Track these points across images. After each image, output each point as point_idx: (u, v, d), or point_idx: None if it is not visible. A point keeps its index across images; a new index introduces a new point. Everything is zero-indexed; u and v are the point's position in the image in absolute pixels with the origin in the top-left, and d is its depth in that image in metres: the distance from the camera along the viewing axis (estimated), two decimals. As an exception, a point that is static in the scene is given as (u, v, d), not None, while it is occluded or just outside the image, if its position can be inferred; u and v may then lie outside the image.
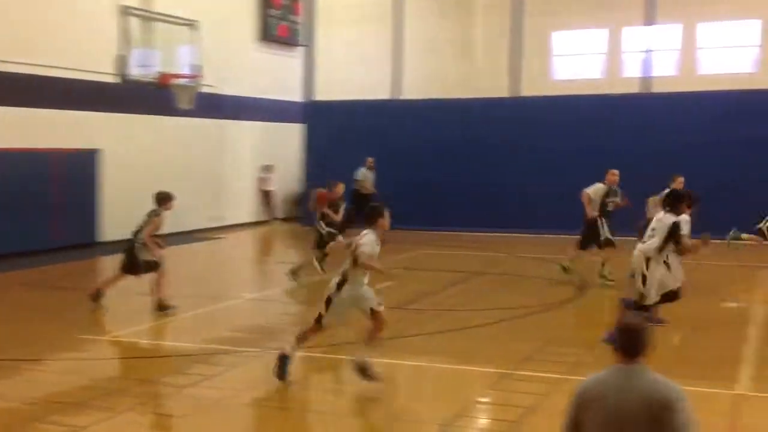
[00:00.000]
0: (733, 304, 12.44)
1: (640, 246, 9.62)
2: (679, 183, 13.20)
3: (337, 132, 22.87)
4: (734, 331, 10.29)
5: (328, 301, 7.86)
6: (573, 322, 11.18)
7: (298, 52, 24.79)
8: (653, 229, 9.53)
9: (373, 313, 7.88)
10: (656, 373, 3.80)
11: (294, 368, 8.08)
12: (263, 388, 8.28)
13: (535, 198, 20.62)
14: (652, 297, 9.56)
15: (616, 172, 13.57)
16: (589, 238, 13.52)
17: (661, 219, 9.51)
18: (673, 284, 9.65)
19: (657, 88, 21.79)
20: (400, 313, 11.85)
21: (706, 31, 23.92)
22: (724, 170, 18.85)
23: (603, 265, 13.39)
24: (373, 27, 24.88)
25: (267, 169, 24.18)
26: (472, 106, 22.13)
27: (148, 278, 11.41)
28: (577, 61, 25.96)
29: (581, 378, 8.17)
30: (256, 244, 22.30)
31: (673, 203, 9.54)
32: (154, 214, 11.33)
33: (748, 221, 13.70)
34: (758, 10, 22.69)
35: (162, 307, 11.25)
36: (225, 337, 10.38)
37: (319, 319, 7.93)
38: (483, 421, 7.49)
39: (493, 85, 23.10)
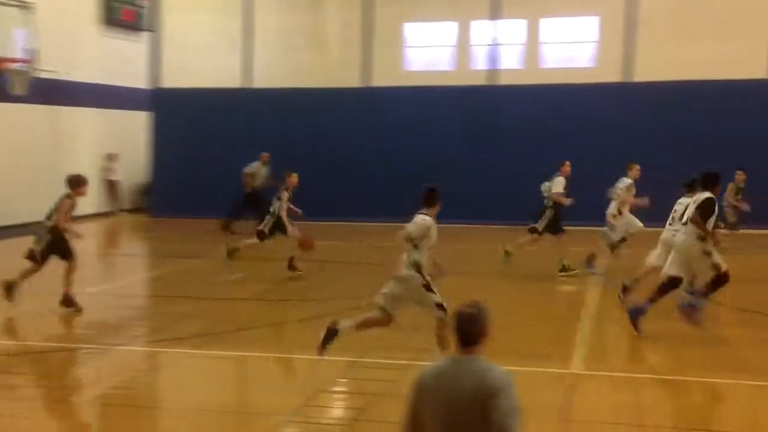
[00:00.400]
0: (569, 288, 12.95)
1: (689, 229, 9.19)
2: (635, 171, 13.57)
3: (186, 121, 22.28)
4: (570, 312, 10.73)
5: (429, 287, 7.73)
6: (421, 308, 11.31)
7: (144, 37, 23.94)
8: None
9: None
10: (488, 362, 3.82)
11: (142, 363, 7.79)
12: (103, 386, 7.94)
13: (385, 187, 20.80)
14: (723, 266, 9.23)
15: (569, 163, 13.79)
16: (557, 225, 13.66)
17: (696, 200, 9.34)
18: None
19: (503, 81, 22.50)
20: (251, 303, 11.69)
21: (548, 27, 24.82)
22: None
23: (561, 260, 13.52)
24: (223, 13, 24.35)
25: (111, 158, 23.24)
26: (325, 96, 22.07)
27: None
28: (429, 52, 26.38)
29: (428, 363, 8.32)
30: (99, 236, 21.38)
31: (710, 183, 9.38)
32: (62, 198, 10.61)
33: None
34: (596, 7, 23.77)
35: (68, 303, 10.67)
36: (63, 334, 9.88)
37: (441, 306, 7.70)
38: (330, 409, 7.47)
39: (345, 75, 23.14)
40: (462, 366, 3.83)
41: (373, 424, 6.79)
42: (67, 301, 10.60)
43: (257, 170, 19.41)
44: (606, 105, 20.61)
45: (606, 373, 8.23)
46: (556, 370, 8.23)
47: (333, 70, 24.14)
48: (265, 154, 19.59)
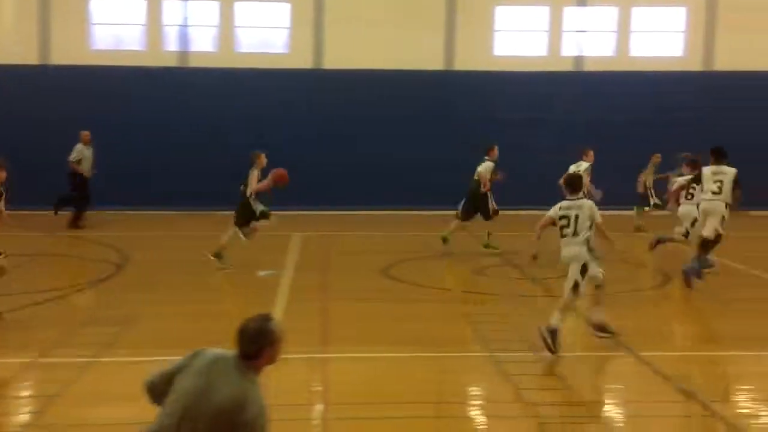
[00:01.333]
0: (270, 271, 13.00)
1: (712, 196, 10.97)
2: (590, 156, 14.38)
3: None
4: (266, 296, 10.77)
5: (584, 269, 8.10)
6: (109, 301, 10.75)
7: None
8: (719, 181, 10.98)
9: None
10: (258, 384, 3.87)
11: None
12: None
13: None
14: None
15: (496, 147, 14.17)
16: (474, 211, 14.14)
17: (724, 172, 11.00)
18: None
19: (196, 63, 22.10)
20: None
21: (242, 10, 24.66)
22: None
23: (489, 235, 14.05)
24: None
25: None
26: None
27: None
28: (118, 30, 25.13)
29: (114, 359, 7.89)
30: None
31: (723, 156, 11.19)
32: None
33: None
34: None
35: None
36: None
37: (576, 287, 8.15)
38: None
39: (21, 51, 21.31)
40: (236, 373, 3.86)
41: (46, 429, 6.28)
42: None
43: (82, 153, 16.98)
44: (298, 90, 21.03)
45: (301, 356, 8.30)
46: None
47: (7, 44, 22.09)
48: (85, 133, 17.09)
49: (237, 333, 3.95)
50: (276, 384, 7.51)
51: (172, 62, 22.16)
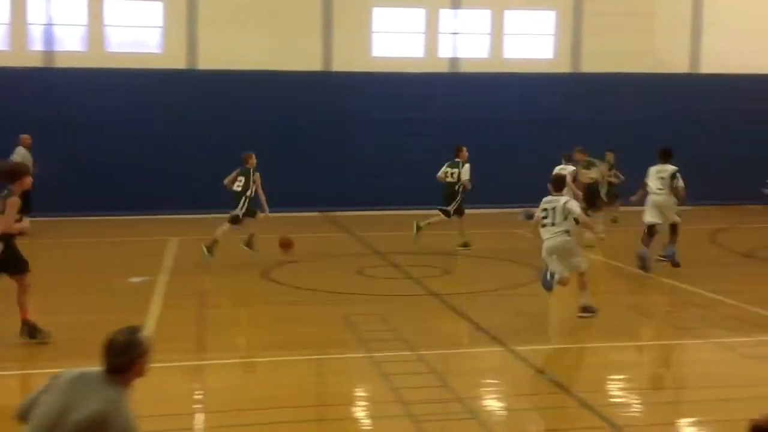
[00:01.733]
0: (144, 277, 12.61)
1: (658, 191, 12.32)
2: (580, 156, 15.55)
3: None
4: (138, 303, 10.42)
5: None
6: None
7: None
8: (662, 178, 12.32)
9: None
10: (126, 399, 3.74)
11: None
12: None
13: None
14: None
15: (466, 148, 14.72)
16: (458, 206, 14.74)
17: (666, 170, 12.32)
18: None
19: (62, 63, 21.30)
20: None
21: (112, 9, 23.88)
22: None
23: (418, 229, 14.75)
24: None
25: None
26: None
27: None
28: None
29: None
30: None
31: (668, 156, 12.49)
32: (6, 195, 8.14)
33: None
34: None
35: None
36: None
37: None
38: None
39: None
40: (102, 387, 3.74)
41: None
42: (31, 330, 8.61)
43: (25, 158, 16.03)
44: (172, 91, 20.54)
45: (177, 364, 8.08)
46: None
47: None
48: (26, 136, 16.45)
49: (104, 346, 3.83)
50: (152, 395, 7.28)
51: (37, 62, 21.24)
